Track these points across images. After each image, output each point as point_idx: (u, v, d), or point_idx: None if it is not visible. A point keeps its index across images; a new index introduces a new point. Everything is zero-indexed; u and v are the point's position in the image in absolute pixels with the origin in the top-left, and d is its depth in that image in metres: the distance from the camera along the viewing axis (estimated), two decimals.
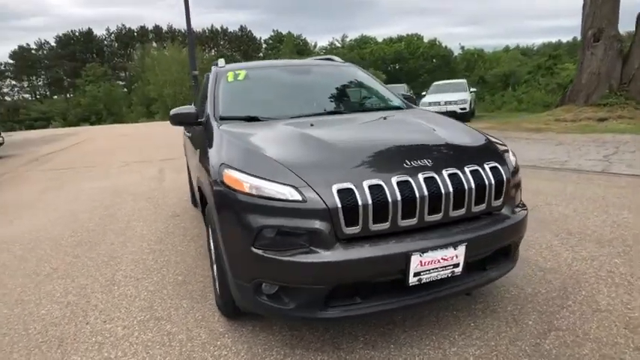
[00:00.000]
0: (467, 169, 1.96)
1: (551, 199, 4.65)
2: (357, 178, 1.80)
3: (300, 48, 79.54)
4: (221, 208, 1.99)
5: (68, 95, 63.93)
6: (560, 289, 2.62)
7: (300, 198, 1.76)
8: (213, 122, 2.68)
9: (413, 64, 53.94)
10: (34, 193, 6.59)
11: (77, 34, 67.10)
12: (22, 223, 4.79)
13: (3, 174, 8.82)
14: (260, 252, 1.79)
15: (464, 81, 17.65)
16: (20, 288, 3.06)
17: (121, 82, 70.09)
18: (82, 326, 2.49)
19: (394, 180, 1.81)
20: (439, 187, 1.86)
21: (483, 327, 2.24)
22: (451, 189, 1.88)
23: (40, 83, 66.79)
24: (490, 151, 2.20)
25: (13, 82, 62.93)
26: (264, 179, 1.83)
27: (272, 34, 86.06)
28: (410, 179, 1.83)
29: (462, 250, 1.86)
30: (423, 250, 1.79)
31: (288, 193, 1.77)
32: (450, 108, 15.15)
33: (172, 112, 2.95)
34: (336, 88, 3.32)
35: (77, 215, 5.00)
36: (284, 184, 1.79)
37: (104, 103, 56.12)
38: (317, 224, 1.74)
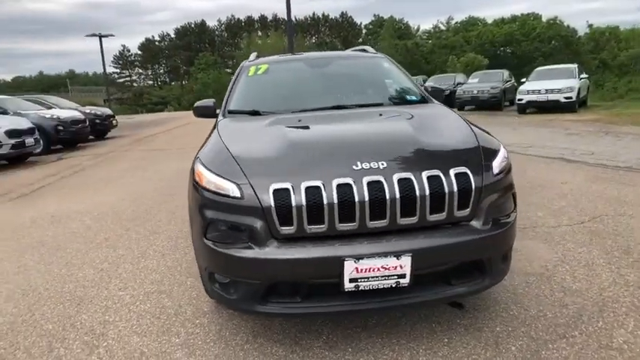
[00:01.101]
0: (424, 175, 1.80)
1: (628, 208, 3.97)
2: (298, 178, 1.78)
3: (401, 32, 77.20)
4: (190, 198, 2.14)
5: (183, 82, 71.26)
6: (574, 315, 2.27)
7: (239, 195, 1.81)
8: (219, 116, 2.84)
9: (527, 47, 48.61)
10: (122, 171, 7.61)
11: (192, 25, 74.05)
12: (101, 197, 5.60)
13: (107, 153, 10.32)
14: (210, 244, 1.90)
15: (573, 66, 15.51)
16: (74, 252, 3.63)
17: (228, 70, 75.89)
18: (102, 291, 2.88)
19: (335, 182, 1.75)
20: (384, 193, 1.75)
21: (456, 345, 2.07)
22: (398, 195, 1.75)
23: (161, 71, 75.59)
24: (466, 157, 1.97)
25: (140, 71, 72.32)
26: (217, 175, 1.92)
27: (373, 19, 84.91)
28: (352, 182, 1.75)
29: (406, 260, 1.74)
30: (359, 257, 1.72)
31: (231, 190, 1.84)
32: (553, 97, 13.56)
33: (195, 104, 3.20)
34: (354, 82, 3.24)
35: (145, 193, 5.68)
36: (229, 181, 1.86)
37: (213, 89, 61.44)
38: (253, 221, 1.79)
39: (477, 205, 1.86)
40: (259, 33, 79.51)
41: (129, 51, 72.00)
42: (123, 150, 10.69)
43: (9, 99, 11.18)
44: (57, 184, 6.64)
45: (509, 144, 7.87)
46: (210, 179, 1.93)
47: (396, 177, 1.77)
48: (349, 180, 1.76)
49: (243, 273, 1.84)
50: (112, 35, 33.50)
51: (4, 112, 9.59)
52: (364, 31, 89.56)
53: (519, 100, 14.44)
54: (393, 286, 1.78)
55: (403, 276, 1.76)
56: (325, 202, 1.73)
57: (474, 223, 1.87)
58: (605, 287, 2.55)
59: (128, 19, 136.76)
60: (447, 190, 1.79)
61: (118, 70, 70.71)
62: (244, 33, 75.40)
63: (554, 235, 3.37)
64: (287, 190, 1.75)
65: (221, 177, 1.89)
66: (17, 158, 8.81)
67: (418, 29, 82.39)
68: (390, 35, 64.07)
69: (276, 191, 1.76)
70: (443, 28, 75.65)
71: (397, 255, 1.73)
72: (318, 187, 1.74)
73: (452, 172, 1.83)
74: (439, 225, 1.84)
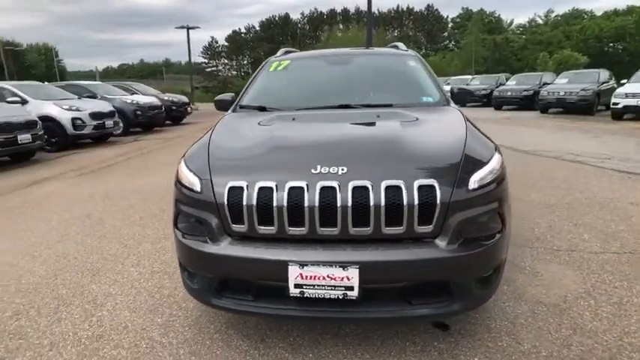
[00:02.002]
0: (383, 184, 1.67)
1: None
2: (256, 177, 1.77)
3: (491, 26, 72.46)
4: None
5: None
6: (574, 359, 1.99)
7: (199, 189, 1.85)
8: (229, 110, 2.92)
9: None
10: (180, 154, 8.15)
11: (277, 18, 76.52)
12: (154, 179, 6.07)
13: (176, 137, 11.15)
14: (179, 234, 1.98)
15: None
16: (110, 227, 4.00)
17: None
18: (117, 265, 3.14)
19: (288, 185, 1.71)
20: (335, 199, 1.66)
21: None
22: (349, 203, 1.66)
23: (244, 62, 79.32)
24: (440, 168, 1.79)
25: (225, 61, 76.67)
26: (189, 169, 1.98)
27: (461, 12, 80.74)
28: (305, 186, 1.69)
29: (354, 272, 1.64)
30: (303, 263, 1.66)
31: (194, 184, 1.88)
32: None
33: (215, 98, 3.32)
34: (370, 80, 3.11)
35: None
36: (195, 175, 1.91)
37: None
38: (209, 217, 1.82)
39: (443, 222, 1.69)
40: (340, 26, 79.71)
41: (217, 42, 76.58)
42: (191, 135, 11.45)
43: (99, 85, 12.59)
44: (122, 164, 7.35)
45: (580, 153, 7.05)
46: (183, 173, 2.01)
47: (351, 184, 1.68)
48: (302, 183, 1.70)
49: (199, 265, 1.88)
50: (198, 27, 35.89)
51: (94, 97, 10.81)
52: (450, 24, 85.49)
53: (614, 104, 12.81)
54: (340, 297, 1.70)
55: (351, 288, 1.67)
56: (275, 203, 1.70)
57: (438, 241, 1.70)
58: (629, 332, 2.18)
59: (222, 11, 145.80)
60: (405, 202, 1.65)
61: (206, 60, 75.59)
62: (325, 26, 76.16)
63: (591, 263, 2.96)
64: (241, 188, 1.75)
65: (191, 171, 1.95)
66: (99, 138, 9.92)
67: (511, 23, 76.51)
68: (477, 29, 60.39)
69: (231, 189, 1.76)
70: (540, 21, 69.38)
71: (343, 266, 1.64)
72: (270, 188, 1.72)
73: (416, 183, 1.68)
74: (399, 239, 1.71)
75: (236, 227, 1.77)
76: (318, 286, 1.69)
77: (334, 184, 1.68)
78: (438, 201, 1.67)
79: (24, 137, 7.05)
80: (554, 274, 2.81)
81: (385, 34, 76.19)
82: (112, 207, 4.68)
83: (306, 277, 1.68)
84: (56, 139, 8.76)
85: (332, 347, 2.09)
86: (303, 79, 3.25)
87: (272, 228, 1.73)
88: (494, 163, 1.89)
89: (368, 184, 1.68)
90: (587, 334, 2.16)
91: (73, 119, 8.70)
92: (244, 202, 1.73)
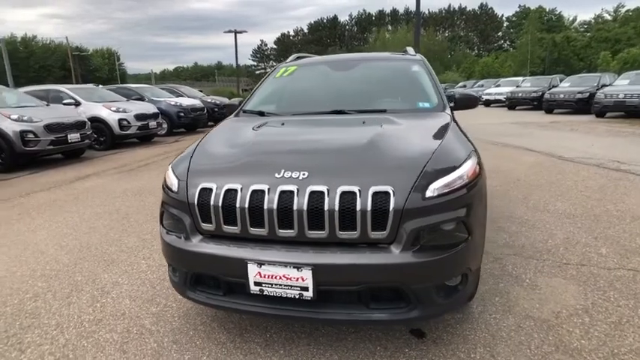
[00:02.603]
0: (339, 190, 1.71)
1: None
2: (225, 180, 1.88)
3: (550, 24, 68.59)
4: None
5: None
6: None
7: (176, 189, 2.00)
8: (232, 115, 3.08)
9: None
10: None
11: (325, 21, 77.19)
12: None
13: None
14: (163, 231, 2.14)
15: None
16: (134, 222, 4.30)
17: None
18: (131, 257, 3.39)
19: (251, 187, 1.80)
20: (292, 203, 1.73)
21: None
22: (305, 207, 1.71)
23: None
24: (400, 175, 1.79)
25: (274, 64, 78.49)
26: (172, 171, 2.13)
27: (517, 10, 77.08)
28: (266, 189, 1.78)
29: (307, 273, 1.70)
30: (261, 262, 1.75)
31: (174, 185, 2.03)
32: None
33: (226, 103, 3.50)
34: (369, 86, 3.13)
35: None
36: (175, 176, 2.06)
37: None
38: (183, 215, 1.95)
39: (397, 229, 1.71)
40: (389, 27, 78.84)
41: (266, 45, 78.70)
42: None
43: (147, 87, 13.42)
44: (159, 162, 7.82)
45: (626, 161, 6.55)
46: (168, 175, 2.16)
47: (309, 189, 1.74)
48: (264, 187, 1.79)
49: (175, 260, 2.03)
50: (245, 32, 37.01)
51: (141, 99, 11.57)
52: (505, 23, 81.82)
53: None
54: (297, 297, 1.76)
55: (306, 289, 1.74)
56: (238, 205, 1.80)
57: (393, 247, 1.72)
58: (618, 353, 2.06)
59: (274, 14, 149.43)
60: (359, 207, 1.69)
61: (255, 63, 77.95)
62: (373, 27, 75.75)
63: (600, 279, 2.79)
64: (210, 189, 1.87)
65: (174, 174, 2.10)
66: (144, 138, 10.60)
67: (574, 20, 71.91)
68: (534, 28, 57.32)
69: (202, 190, 1.89)
70: (608, 17, 64.60)
71: (298, 267, 1.71)
72: (235, 190, 1.82)
73: (372, 189, 1.71)
74: (355, 243, 1.75)
75: (205, 226, 1.90)
76: (275, 285, 1.77)
77: (293, 188, 1.76)
78: (391, 207, 1.68)
79: (73, 136, 7.72)
80: (554, 288, 2.68)
81: (435, 35, 74.46)
82: (140, 203, 5.03)
83: (264, 275, 1.77)
84: (104, 138, 9.49)
85: (304, 346, 2.16)
86: (305, 85, 3.33)
87: (236, 228, 1.83)
88: (462, 171, 1.86)
89: (324, 189, 1.73)
90: (570, 352, 2.06)
91: (120, 120, 9.38)
92: (212, 203, 1.85)
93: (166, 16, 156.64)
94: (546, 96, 17.33)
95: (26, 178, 6.84)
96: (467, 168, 1.90)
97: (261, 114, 2.97)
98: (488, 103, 23.95)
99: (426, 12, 79.49)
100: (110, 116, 9.33)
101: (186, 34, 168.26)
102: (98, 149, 9.54)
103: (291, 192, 1.75)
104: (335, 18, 77.55)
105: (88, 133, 8.24)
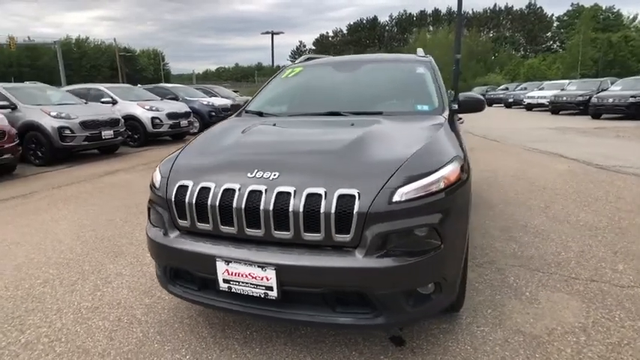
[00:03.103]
0: (305, 191, 1.71)
1: None
2: (201, 178, 1.92)
3: (607, 23, 64.66)
4: None
5: None
6: None
7: (158, 187, 2.06)
8: (234, 115, 3.15)
9: None
10: None
11: (364, 21, 76.78)
12: None
13: None
14: (149, 226, 2.22)
15: None
16: None
17: None
18: (138, 249, 3.54)
19: (223, 187, 1.83)
20: (259, 203, 1.75)
21: None
22: (271, 207, 1.72)
23: None
24: (369, 178, 1.75)
25: None
26: (159, 170, 2.20)
27: (569, 8, 73.34)
28: (236, 188, 1.80)
29: (271, 273, 1.71)
30: (228, 260, 1.78)
31: (157, 182, 2.10)
32: None
33: (232, 104, 3.58)
34: (369, 88, 3.09)
35: None
36: (160, 174, 2.13)
37: None
38: (163, 212, 2.02)
39: (362, 232, 1.68)
40: (430, 28, 77.31)
41: (304, 46, 79.36)
42: None
43: (181, 87, 13.92)
44: None
45: None
46: (154, 173, 2.24)
47: (277, 189, 1.75)
48: (235, 186, 1.81)
49: (155, 254, 2.10)
50: (282, 33, 37.57)
51: (175, 98, 12.01)
52: (555, 23, 78.06)
53: None
54: (262, 296, 1.78)
55: (271, 288, 1.75)
56: (209, 203, 1.84)
57: (357, 251, 1.69)
58: None
59: (314, 15, 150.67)
60: (323, 210, 1.67)
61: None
62: (414, 28, 74.54)
63: (608, 297, 2.60)
64: (187, 187, 1.92)
65: (159, 172, 2.17)
66: (176, 135, 10.99)
67: (634, 19, 67.40)
68: (587, 27, 54.20)
69: (179, 187, 1.94)
70: None
71: (262, 266, 1.72)
72: (208, 189, 1.86)
73: (337, 192, 1.69)
74: (321, 245, 1.74)
75: (181, 222, 1.95)
76: (242, 283, 1.79)
77: (262, 188, 1.77)
78: (355, 211, 1.66)
79: (107, 133, 8.15)
80: (555, 303, 2.54)
81: (479, 36, 72.09)
82: None
83: (232, 273, 1.79)
84: (138, 135, 9.94)
85: (280, 345, 2.17)
86: (306, 86, 3.34)
87: (208, 225, 1.87)
88: (437, 176, 1.80)
89: (292, 189, 1.73)
90: None
91: (152, 118, 9.79)
92: (187, 200, 1.90)
93: (211, 17, 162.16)
94: (593, 100, 16.35)
95: (62, 171, 7.31)
96: (444, 173, 1.83)
97: (260, 114, 3.01)
98: (530, 107, 22.92)
99: (470, 12, 77.21)
100: (144, 114, 9.76)
101: (230, 36, 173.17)
102: (132, 146, 10.01)
103: (260, 192, 1.77)
104: (375, 19, 76.95)
105: (121, 130, 8.66)
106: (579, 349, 2.10)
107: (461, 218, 1.92)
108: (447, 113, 2.65)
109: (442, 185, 1.80)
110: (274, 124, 2.60)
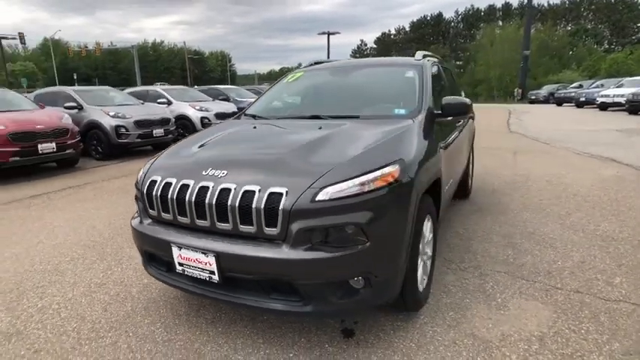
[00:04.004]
0: (243, 188, 1.91)
1: None
2: (167, 174, 2.20)
3: None
4: None
5: None
6: None
7: (138, 180, 2.38)
8: (232, 117, 3.43)
9: None
10: None
11: (428, 18, 74.52)
12: None
13: None
14: (135, 214, 2.56)
15: None
16: None
17: (459, 63, 73.36)
18: None
19: (181, 182, 2.09)
20: (204, 197, 1.98)
21: None
22: (214, 201, 1.95)
23: None
24: (302, 177, 1.91)
25: None
26: (145, 166, 2.52)
27: None
28: (190, 184, 2.05)
29: (212, 259, 1.94)
30: (180, 246, 2.04)
31: (138, 177, 2.43)
32: None
33: (239, 106, 3.87)
34: (355, 93, 3.21)
35: None
36: (142, 171, 2.44)
37: None
38: (139, 202, 2.34)
39: (287, 227, 1.85)
40: (500, 23, 73.15)
41: (365, 45, 78.86)
42: None
43: (233, 88, 14.69)
44: None
45: None
46: (141, 169, 2.55)
47: (221, 186, 1.97)
48: (190, 182, 2.07)
49: (133, 239, 2.43)
50: (338, 33, 37.76)
51: (227, 99, 12.73)
52: None
53: None
54: (207, 279, 2.02)
55: (213, 273, 1.98)
56: (169, 196, 2.11)
57: (284, 244, 1.86)
58: None
59: (381, 13, 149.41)
60: (254, 205, 1.87)
61: None
62: (481, 24, 71.00)
63: (586, 309, 2.50)
64: (155, 182, 2.21)
65: (144, 167, 2.50)
66: None
67: None
68: None
69: (151, 182, 2.24)
70: None
71: (204, 253, 1.96)
72: (170, 184, 2.14)
73: (269, 190, 1.87)
74: (257, 237, 1.93)
75: (151, 212, 2.25)
76: (192, 266, 2.05)
77: (210, 184, 2.01)
78: (281, 208, 1.83)
79: (158, 131, 8.94)
80: (524, 312, 2.50)
81: (555, 29, 66.81)
82: None
83: (184, 257, 2.06)
84: (189, 134, 10.70)
85: (241, 327, 2.40)
86: (300, 91, 3.53)
87: (169, 215, 2.15)
88: (367, 178, 1.90)
89: (232, 186, 1.95)
90: None
91: (202, 118, 10.50)
92: (153, 193, 2.19)
93: (278, 19, 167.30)
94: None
95: (116, 165, 8.18)
96: (376, 175, 1.93)
97: (254, 117, 3.26)
98: (604, 107, 20.86)
99: (546, 4, 71.89)
100: (194, 114, 10.51)
101: (295, 36, 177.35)
102: None
103: (207, 188, 2.01)
104: (439, 15, 74.35)
105: (172, 129, 9.43)
106: (525, 357, 2.08)
107: (396, 219, 2.00)
108: (421, 117, 2.70)
109: (372, 187, 1.91)
110: (254, 127, 2.83)
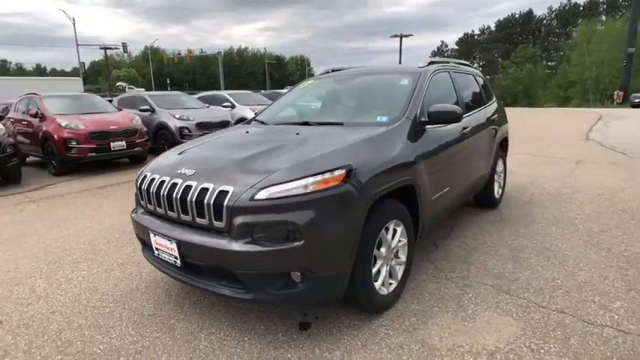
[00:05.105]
0: (200, 186, 2.18)
1: None
2: (153, 170, 2.56)
3: None
4: None
5: (494, 77, 68.93)
6: None
7: (137, 176, 2.78)
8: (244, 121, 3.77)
9: None
10: None
11: (517, 16, 69.46)
12: None
13: None
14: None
15: None
16: None
17: (551, 64, 67.43)
18: None
19: (160, 178, 2.43)
20: (173, 192, 2.29)
21: (245, 344, 2.32)
22: (179, 196, 2.24)
23: (475, 65, 75.48)
24: (250, 178, 2.12)
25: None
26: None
27: None
28: (166, 180, 2.38)
29: (174, 245, 2.24)
30: (155, 233, 2.37)
31: (138, 173, 2.83)
32: None
33: (256, 111, 4.20)
34: (347, 101, 3.35)
35: None
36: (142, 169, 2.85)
37: (523, 85, 56.57)
38: (135, 195, 2.73)
39: (231, 221, 2.07)
40: (603, 18, 65.79)
41: (446, 46, 75.86)
42: None
43: (280, 92, 15.32)
44: None
45: None
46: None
47: (186, 183, 2.26)
48: (166, 178, 2.40)
49: (133, 226, 2.83)
50: (411, 35, 36.88)
51: None
52: None
53: None
54: (173, 263, 2.33)
55: (176, 257, 2.29)
56: (151, 190, 2.46)
57: (229, 236, 2.09)
58: None
59: (468, 13, 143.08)
60: (206, 201, 2.13)
61: None
62: (579, 20, 64.42)
63: (560, 329, 2.37)
64: (145, 177, 2.59)
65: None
66: None
67: None
68: None
69: (143, 177, 2.62)
70: None
71: (169, 240, 2.27)
72: (154, 179, 2.49)
73: (219, 188, 2.12)
74: (210, 229, 2.19)
75: (142, 203, 2.63)
76: (163, 251, 2.38)
77: (179, 181, 2.32)
78: (225, 204, 2.07)
79: None
80: (489, 325, 2.44)
81: None
82: None
83: (157, 243, 2.40)
84: None
85: (215, 312, 2.68)
86: (302, 98, 3.73)
87: (152, 206, 2.50)
88: (307, 181, 2.05)
89: (193, 184, 2.23)
90: None
91: None
92: (143, 187, 2.56)
93: (359, 22, 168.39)
94: None
95: None
96: (317, 179, 2.08)
97: (261, 122, 3.55)
98: None
99: None
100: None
101: (375, 38, 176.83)
102: None
103: (176, 184, 2.32)
104: (529, 12, 68.83)
105: None
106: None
107: (335, 221, 2.11)
108: (397, 124, 2.76)
109: (311, 189, 2.06)
110: (247, 132, 3.10)
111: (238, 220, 2.07)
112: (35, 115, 7.86)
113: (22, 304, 2.88)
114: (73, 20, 35.64)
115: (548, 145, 9.89)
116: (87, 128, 7.37)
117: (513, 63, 60.38)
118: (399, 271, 2.71)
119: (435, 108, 2.91)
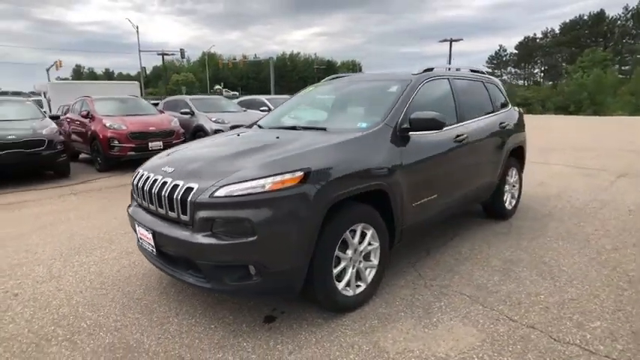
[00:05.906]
0: (173, 182, 2.39)
1: None
2: (146, 169, 2.83)
3: None
4: None
5: (558, 82, 64.74)
6: None
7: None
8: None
9: None
10: None
11: (585, 17, 64.80)
12: None
13: None
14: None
15: None
16: None
17: (624, 68, 62.07)
18: None
19: (149, 174, 2.68)
20: (152, 188, 2.53)
21: (207, 332, 2.51)
22: (155, 191, 2.48)
23: (535, 70, 71.44)
24: (210, 177, 2.29)
25: (513, 70, 71.30)
26: None
27: None
28: (150, 177, 2.63)
29: (150, 235, 2.48)
30: (138, 223, 2.63)
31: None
32: None
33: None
34: (336, 107, 3.44)
35: None
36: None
37: (589, 92, 52.53)
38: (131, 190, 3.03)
39: (194, 215, 2.26)
40: None
41: (505, 50, 72.42)
42: None
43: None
44: None
45: None
46: None
47: (163, 180, 2.50)
48: (150, 175, 2.65)
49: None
50: (461, 40, 35.74)
51: None
52: None
53: None
54: (151, 251, 2.57)
55: (153, 246, 2.53)
56: (139, 185, 2.72)
57: (192, 229, 2.28)
58: None
59: (533, 14, 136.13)
60: (175, 197, 2.34)
61: (490, 70, 73.04)
62: None
63: (521, 344, 2.31)
64: (138, 173, 2.87)
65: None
66: None
67: None
68: None
69: (136, 174, 2.91)
70: None
71: (147, 230, 2.52)
72: (142, 176, 2.76)
73: (187, 185, 2.33)
74: (179, 222, 2.40)
75: (134, 197, 2.92)
76: (143, 240, 2.63)
77: (159, 178, 2.56)
78: (189, 199, 2.27)
79: None
80: (448, 334, 2.44)
81: None
82: None
83: (140, 232, 2.66)
84: None
85: (195, 300, 2.90)
86: (299, 104, 3.87)
87: (140, 200, 2.77)
88: (263, 182, 2.18)
89: (168, 180, 2.46)
90: None
91: None
92: (134, 183, 2.84)
93: (414, 26, 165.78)
94: None
95: None
96: (275, 179, 2.22)
97: (260, 126, 3.75)
98: None
99: None
100: None
101: (430, 43, 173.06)
102: None
103: (156, 180, 2.57)
104: (600, 13, 63.76)
105: None
106: None
107: (291, 219, 2.23)
108: (373, 130, 2.83)
109: (267, 189, 2.21)
110: (238, 135, 3.31)
111: (200, 214, 2.26)
112: (86, 116, 8.69)
113: (38, 281, 3.28)
114: (137, 28, 38.59)
115: (593, 156, 9.24)
116: (128, 129, 8.04)
117: (579, 67, 56.22)
118: (370, 274, 2.77)
119: (416, 115, 2.93)
